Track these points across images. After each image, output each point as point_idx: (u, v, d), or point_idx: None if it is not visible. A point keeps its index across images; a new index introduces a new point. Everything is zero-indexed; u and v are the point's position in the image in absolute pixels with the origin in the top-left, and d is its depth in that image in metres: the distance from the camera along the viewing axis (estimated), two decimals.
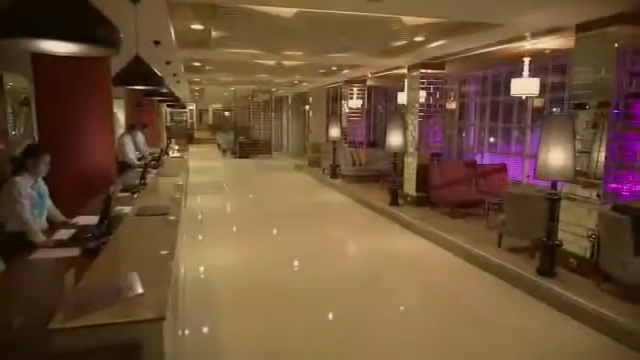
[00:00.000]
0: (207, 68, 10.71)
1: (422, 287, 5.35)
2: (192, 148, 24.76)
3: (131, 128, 9.56)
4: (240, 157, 20.00)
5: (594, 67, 4.83)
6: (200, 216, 8.73)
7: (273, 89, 19.03)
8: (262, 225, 8.19)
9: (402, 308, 4.72)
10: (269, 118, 22.40)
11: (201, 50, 7.59)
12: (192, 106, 34.91)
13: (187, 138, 27.82)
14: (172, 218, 3.77)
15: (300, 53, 8.03)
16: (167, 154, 10.65)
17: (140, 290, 2.15)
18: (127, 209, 4.22)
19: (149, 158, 9.55)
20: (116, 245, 3.02)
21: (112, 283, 2.21)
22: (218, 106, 33.64)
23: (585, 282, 4.70)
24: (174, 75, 10.77)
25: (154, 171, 7.45)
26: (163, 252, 2.84)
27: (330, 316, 4.49)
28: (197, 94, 23.22)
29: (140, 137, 10.40)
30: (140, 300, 2.08)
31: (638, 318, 3.89)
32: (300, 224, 8.32)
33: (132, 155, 8.51)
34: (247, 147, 20.54)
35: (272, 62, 9.37)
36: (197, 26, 5.72)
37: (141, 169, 6.33)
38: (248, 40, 6.94)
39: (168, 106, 15.50)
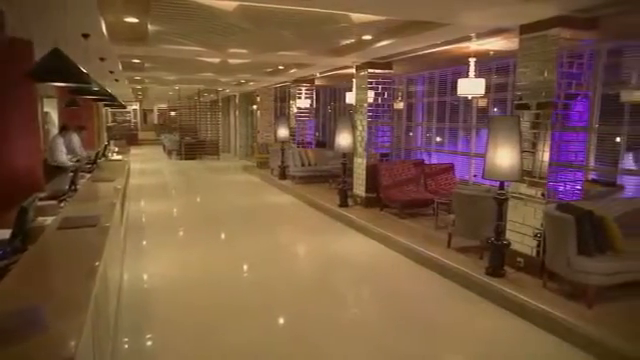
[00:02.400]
0: (147, 66, 10.14)
1: (372, 291, 5.25)
2: (136, 149, 23.74)
3: (63, 129, 8.87)
4: (186, 158, 19.33)
5: (537, 68, 4.89)
6: (143, 222, 8.24)
7: (219, 88, 18.49)
8: (209, 229, 7.86)
9: (352, 314, 4.61)
10: (216, 118, 21.79)
11: (139, 46, 7.11)
12: (135, 106, 33.47)
13: (130, 139, 26.65)
14: (101, 229, 3.39)
15: (245, 51, 7.72)
16: (105, 156, 10.02)
17: (43, 326, 1.79)
18: (51, 220, 3.79)
19: (85, 161, 8.95)
20: (28, 265, 2.62)
21: (8, 317, 1.84)
22: (163, 106, 32.42)
23: (532, 281, 4.74)
24: (111, 73, 10.12)
25: (88, 175, 6.93)
26: (84, 271, 2.48)
27: (278, 324, 4.30)
28: (140, 93, 22.19)
29: (75, 139, 9.74)
30: (41, 341, 1.70)
31: (582, 316, 3.95)
32: (247, 227, 8.04)
33: (64, 158, 7.88)
34: (194, 148, 19.89)
35: (216, 60, 8.99)
36: (131, 19, 5.30)
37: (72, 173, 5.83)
38: (189, 36, 6.56)
39: (106, 105, 14.62)
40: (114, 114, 32.73)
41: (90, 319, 2.07)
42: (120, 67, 9.42)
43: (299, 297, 4.91)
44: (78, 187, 5.57)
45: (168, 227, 7.99)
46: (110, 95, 9.93)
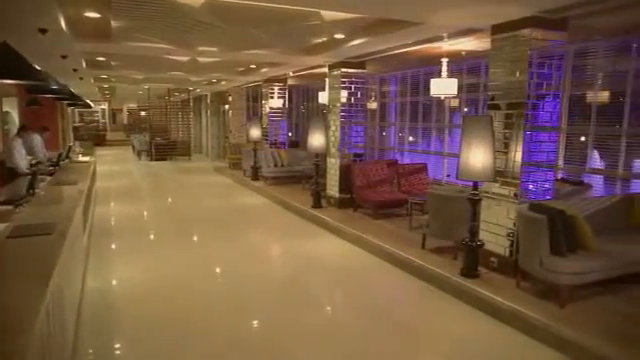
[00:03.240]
0: (114, 64, 9.79)
1: (346, 293, 5.18)
2: (104, 150, 23.19)
3: (22, 130, 8.46)
4: (157, 160, 18.87)
5: (508, 68, 4.89)
6: (110, 226, 7.95)
7: (190, 88, 18.10)
8: (180, 233, 7.64)
9: (326, 317, 4.52)
10: (187, 118, 21.36)
11: (103, 43, 6.82)
12: (104, 105, 32.55)
13: (98, 140, 25.88)
14: (57, 237, 3.17)
15: (214, 49, 7.51)
16: (69, 158, 9.63)
17: None
18: (4, 227, 3.54)
19: (47, 163, 8.58)
20: None
21: None
22: (133, 106, 31.64)
23: (506, 281, 4.74)
24: (75, 71, 9.71)
25: (49, 178, 6.61)
26: (32, 285, 2.27)
27: (251, 330, 4.16)
28: (107, 92, 21.54)
29: (37, 140, 9.32)
30: None
31: (554, 315, 3.95)
32: (220, 230, 7.85)
33: (22, 161, 7.51)
34: (164, 149, 19.43)
35: (185, 58, 8.74)
36: (92, 14, 5.04)
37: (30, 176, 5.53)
38: (155, 33, 6.32)
39: (69, 105, 14.09)
40: (81, 114, 31.77)
41: (38, 339, 1.89)
42: (84, 65, 9.05)
43: (272, 302, 4.79)
44: (37, 191, 5.29)
45: (137, 231, 7.72)
46: (71, 94, 9.54)
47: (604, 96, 6.53)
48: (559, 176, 6.61)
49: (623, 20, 5.07)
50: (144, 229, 7.98)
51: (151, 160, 18.95)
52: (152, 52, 7.86)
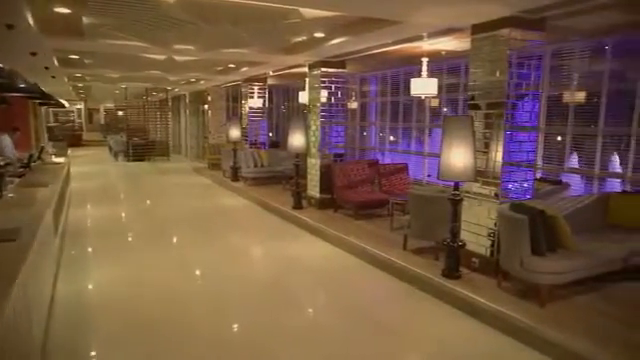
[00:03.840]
0: (88, 62, 9.51)
1: (328, 295, 5.11)
2: (80, 151, 22.69)
3: None
4: (134, 160, 18.48)
5: (488, 68, 4.88)
6: (86, 229, 7.72)
7: (169, 87, 17.78)
8: (158, 234, 7.48)
9: (307, 319, 4.47)
10: (166, 118, 21.00)
11: (75, 40, 6.58)
12: (80, 105, 31.79)
13: (73, 140, 25.25)
14: (22, 242, 3.01)
15: (191, 47, 7.34)
16: (41, 159, 9.32)
17: None
18: None
19: (17, 165, 8.27)
20: None
21: None
22: (110, 105, 30.98)
23: (487, 281, 4.72)
24: (46, 69, 9.40)
25: (18, 180, 6.35)
26: None
27: (232, 333, 4.08)
28: (82, 92, 21.02)
29: (7, 141, 8.99)
30: None
31: (535, 315, 3.94)
32: (199, 232, 7.69)
33: None
34: (142, 149, 19.05)
35: (162, 57, 8.54)
36: (62, 9, 4.84)
37: None
38: (129, 31, 6.13)
39: (41, 104, 13.68)
40: (56, 114, 30.97)
41: None
42: (56, 63, 8.76)
43: (253, 304, 4.71)
44: (4, 193, 5.06)
45: (114, 234, 7.50)
46: (42, 93, 9.23)
47: (581, 96, 6.61)
48: (538, 175, 6.66)
49: (599, 21, 5.12)
50: (121, 231, 7.76)
51: (128, 161, 18.56)
52: (127, 50, 7.65)
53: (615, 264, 4.46)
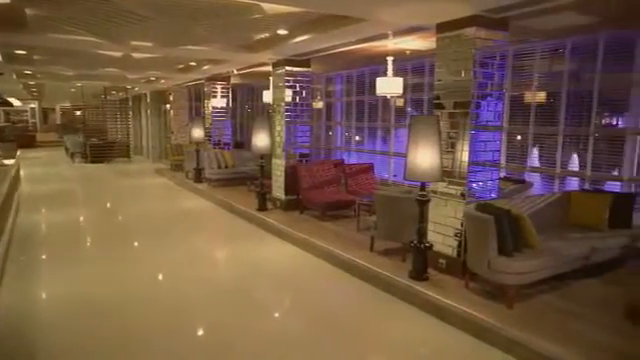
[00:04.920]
0: (37, 58, 8.99)
1: (293, 299, 4.98)
2: (34, 152, 21.74)
3: None
4: (92, 162, 17.71)
5: (453, 68, 4.84)
6: (38, 235, 7.29)
7: (128, 86, 17.16)
8: (117, 240, 7.14)
9: (272, 324, 4.33)
10: (126, 118, 20.28)
11: (19, 34, 6.16)
12: (33, 104, 30.36)
13: (26, 141, 24.04)
14: None
15: (149, 44, 7.01)
16: None
17: None
18: None
19: None
20: None
21: None
22: (67, 105, 29.72)
23: (454, 282, 4.68)
24: None
25: None
26: None
27: (196, 341, 3.89)
28: (34, 90, 20.03)
29: None
30: None
31: (503, 316, 3.91)
32: (160, 236, 7.38)
33: None
34: (101, 150, 18.29)
35: (118, 54, 8.15)
36: None
37: None
38: (80, 24, 5.78)
39: None
40: (7, 113, 29.48)
41: None
42: (0, 58, 8.23)
43: (216, 311, 4.54)
44: None
45: (68, 240, 7.09)
46: None
47: (542, 96, 6.71)
48: (502, 175, 6.72)
49: (558, 22, 5.18)
50: (77, 237, 7.35)
51: (86, 162, 17.78)
52: (79, 46, 7.25)
53: (578, 262, 4.51)
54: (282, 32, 6.15)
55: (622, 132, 5.86)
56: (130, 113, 20.75)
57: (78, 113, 26.23)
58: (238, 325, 4.19)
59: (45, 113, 31.75)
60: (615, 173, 5.96)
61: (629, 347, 3.45)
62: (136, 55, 8.31)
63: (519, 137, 7.08)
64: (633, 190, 5.69)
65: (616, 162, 5.89)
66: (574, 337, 3.59)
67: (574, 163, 6.47)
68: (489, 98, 4.80)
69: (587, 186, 6.04)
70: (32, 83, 15.31)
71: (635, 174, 5.71)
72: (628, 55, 5.67)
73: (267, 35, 6.46)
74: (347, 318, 4.39)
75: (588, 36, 5.86)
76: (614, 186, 5.87)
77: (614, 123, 6.28)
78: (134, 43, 6.93)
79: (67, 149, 20.36)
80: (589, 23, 5.15)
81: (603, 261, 4.76)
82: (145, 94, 19.43)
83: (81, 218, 8.76)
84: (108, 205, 10.29)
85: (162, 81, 13.96)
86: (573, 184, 6.39)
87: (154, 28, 5.90)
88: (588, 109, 6.08)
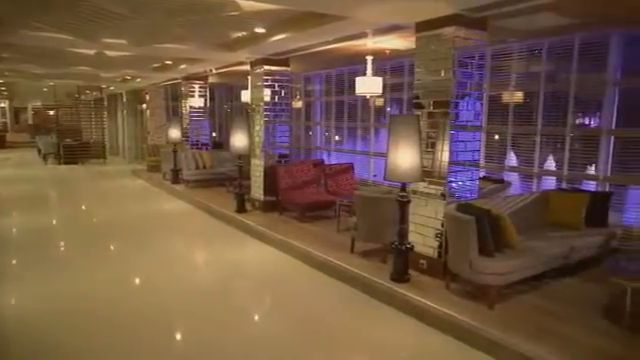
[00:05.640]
0: (6, 56, 8.67)
1: (273, 302, 4.91)
2: (4, 154, 21.29)
3: None
4: (66, 163, 17.22)
5: (433, 67, 4.81)
6: (10, 239, 7.07)
7: (103, 85, 16.75)
8: (92, 243, 6.93)
9: (251, 327, 4.24)
10: (101, 118, 19.81)
11: None
12: (3, 104, 29.44)
13: None
14: None
15: (123, 42, 6.80)
16: None
17: None
18: None
19: None
20: None
21: None
22: (39, 104, 28.89)
23: (435, 283, 4.64)
24: None
25: None
26: None
27: (173, 344, 3.83)
28: (4, 89, 19.42)
29: None
30: None
31: (484, 317, 3.89)
32: (137, 240, 7.20)
33: None
34: (75, 151, 17.80)
35: (91, 52, 7.90)
36: None
37: None
38: (51, 21, 5.57)
39: None
40: None
41: None
42: None
43: (194, 315, 4.43)
44: None
45: (40, 245, 6.83)
46: None
47: (519, 96, 6.75)
48: (481, 174, 6.74)
49: (535, 23, 5.21)
50: (49, 241, 7.09)
51: (59, 164, 17.28)
52: (50, 43, 6.99)
53: (557, 261, 4.53)
54: (260, 30, 6.05)
55: (597, 132, 5.93)
56: (105, 113, 20.28)
57: (51, 113, 25.47)
58: (216, 329, 4.08)
59: (16, 113, 30.80)
60: (592, 172, 6.03)
61: (610, 346, 3.46)
62: (109, 53, 8.08)
63: (497, 137, 7.12)
64: (608, 189, 5.76)
65: (591, 161, 5.96)
66: (555, 337, 3.58)
67: (551, 162, 6.53)
68: (468, 98, 4.78)
69: (565, 185, 6.10)
70: (1, 82, 14.81)
71: (609, 173, 5.79)
72: (602, 56, 5.75)
73: (245, 33, 6.35)
74: (327, 321, 4.32)
75: (564, 37, 5.92)
76: (590, 185, 5.94)
77: (588, 123, 6.35)
78: (107, 40, 6.72)
79: (39, 150, 19.76)
80: (565, 24, 5.19)
81: (581, 260, 4.80)
82: (121, 93, 19.02)
83: (54, 222, 8.49)
84: (83, 208, 10.00)
85: (138, 80, 13.66)
86: (550, 183, 6.46)
87: (127, 25, 5.72)
88: (564, 109, 6.14)
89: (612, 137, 5.75)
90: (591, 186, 5.91)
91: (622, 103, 5.67)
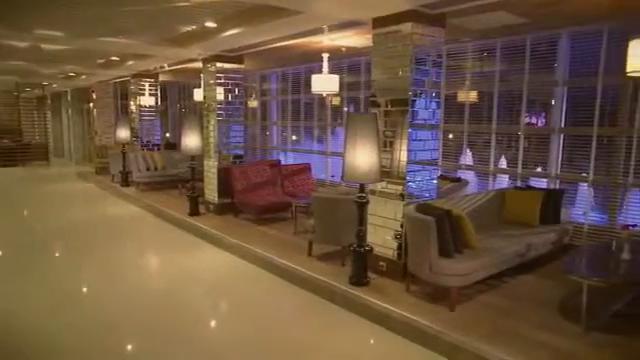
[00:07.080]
0: None
1: (229, 311, 4.65)
2: None
3: None
4: (4, 165, 16.10)
5: (390, 65, 4.68)
6: None
7: (44, 82, 15.72)
8: (34, 252, 6.43)
9: (207, 338, 3.94)
10: (44, 117, 18.66)
11: None
12: None
13: None
14: None
15: (59, 33, 6.30)
16: None
17: None
18: None
19: None
20: None
21: None
22: None
23: (395, 286, 4.52)
24: None
25: None
26: None
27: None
28: None
29: None
30: None
31: (444, 320, 3.80)
32: (82, 247, 6.71)
33: None
34: (14, 153, 16.69)
35: (23, 44, 7.27)
36: None
37: None
38: None
39: None
40: None
41: None
42: None
43: (144, 326, 4.12)
44: None
45: None
46: None
47: (474, 96, 6.79)
48: (439, 173, 6.73)
49: (490, 22, 5.19)
50: None
51: None
52: None
53: (515, 259, 4.52)
54: (210, 25, 5.74)
55: (547, 130, 6.03)
56: (49, 112, 19.13)
57: None
58: (166, 342, 3.80)
59: None
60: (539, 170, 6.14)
61: (567, 345, 3.43)
62: (45, 46, 7.47)
63: (451, 135, 7.15)
64: (558, 186, 5.87)
65: (543, 159, 6.06)
66: (515, 337, 3.53)
67: (505, 161, 6.60)
68: (426, 96, 4.69)
69: (519, 183, 6.17)
70: None
71: (559, 170, 5.90)
72: (551, 56, 5.85)
73: (195, 27, 6.01)
74: (285, 329, 4.10)
75: (517, 37, 5.98)
76: (541, 183, 6.03)
77: (539, 122, 6.45)
78: (40, 32, 6.18)
79: None
80: (518, 23, 5.22)
81: (536, 257, 4.83)
82: (65, 92, 17.99)
83: None
84: (24, 213, 9.31)
85: (83, 77, 12.88)
86: (504, 181, 6.53)
87: (63, 15, 5.26)
88: (518, 108, 6.21)
89: (561, 135, 5.86)
90: (543, 184, 6.00)
91: (569, 102, 5.79)
